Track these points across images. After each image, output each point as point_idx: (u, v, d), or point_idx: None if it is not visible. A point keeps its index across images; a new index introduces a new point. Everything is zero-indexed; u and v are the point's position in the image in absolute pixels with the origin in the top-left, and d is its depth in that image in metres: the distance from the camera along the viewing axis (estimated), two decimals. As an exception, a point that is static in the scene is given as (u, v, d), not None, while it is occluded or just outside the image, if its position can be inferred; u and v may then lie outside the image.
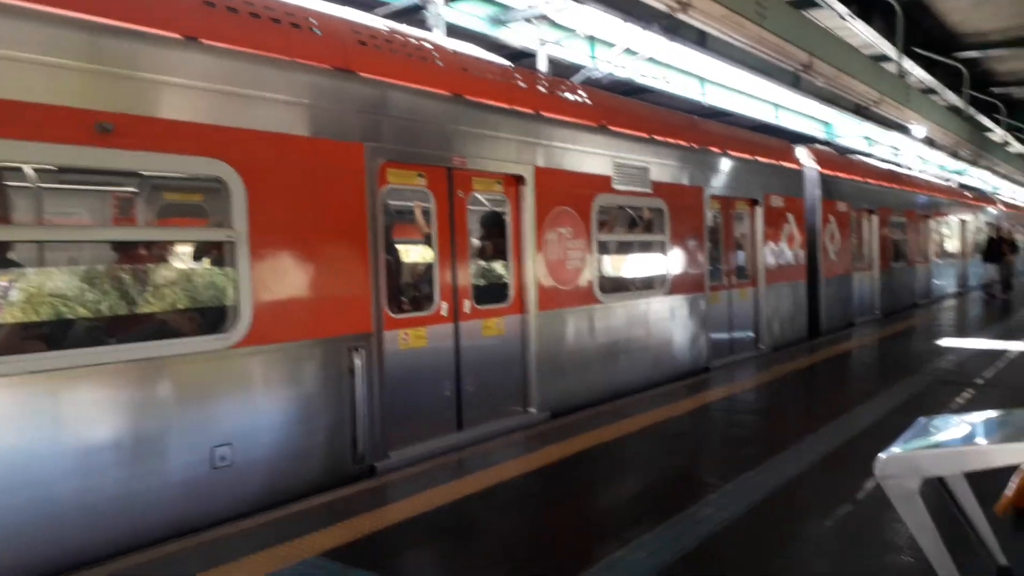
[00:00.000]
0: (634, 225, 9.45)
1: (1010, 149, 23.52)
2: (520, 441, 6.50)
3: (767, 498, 4.93)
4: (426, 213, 6.49)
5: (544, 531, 4.57)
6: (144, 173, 4.93)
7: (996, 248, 20.08)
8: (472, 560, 4.11)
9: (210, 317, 5.00)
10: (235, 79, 4.89)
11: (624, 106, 9.08)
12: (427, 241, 6.48)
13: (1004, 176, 26.32)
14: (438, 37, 7.76)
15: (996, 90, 21.49)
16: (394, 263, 6.39)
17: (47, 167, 4.82)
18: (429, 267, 6.43)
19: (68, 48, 4.15)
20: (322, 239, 5.37)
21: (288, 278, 5.16)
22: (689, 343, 9.65)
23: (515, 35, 10.13)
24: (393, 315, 5.98)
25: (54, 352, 4.22)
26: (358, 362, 5.52)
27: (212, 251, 5.38)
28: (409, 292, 6.84)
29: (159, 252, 5.27)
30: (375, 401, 5.65)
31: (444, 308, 6.37)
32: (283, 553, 4.16)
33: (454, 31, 8.89)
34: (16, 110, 3.95)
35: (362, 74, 5.72)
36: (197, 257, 5.56)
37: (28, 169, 4.90)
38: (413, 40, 6.52)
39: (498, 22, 9.98)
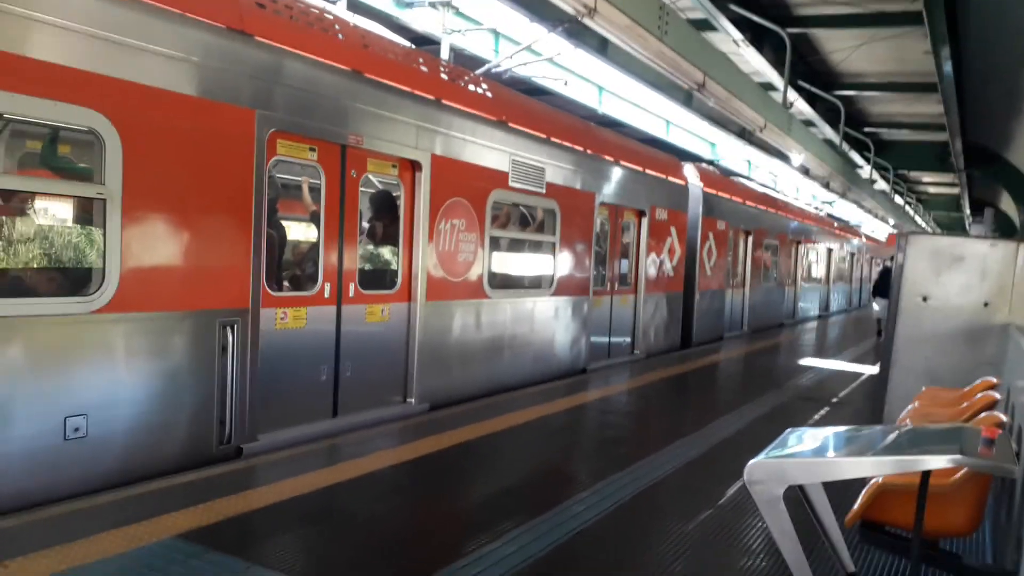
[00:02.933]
0: (526, 224, 9.49)
1: (876, 187, 25.17)
2: (397, 431, 6.38)
3: (635, 498, 5.04)
4: (315, 190, 6.26)
5: (415, 523, 4.48)
6: (7, 116, 4.50)
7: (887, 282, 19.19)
8: (338, 549, 3.97)
9: (72, 278, 4.64)
10: (119, 26, 4.54)
11: (525, 104, 9.11)
12: (314, 219, 6.26)
13: (868, 211, 28.16)
14: (340, 10, 7.53)
15: (867, 129, 22.92)
16: (277, 239, 6.13)
17: None
18: (314, 246, 6.21)
19: None
20: (202, 206, 5.08)
21: (161, 244, 4.85)
22: (569, 344, 9.78)
23: (419, 19, 9.97)
24: (272, 293, 5.74)
25: None
26: (231, 339, 5.25)
27: (80, 208, 4.99)
28: (291, 270, 6.58)
29: (20, 203, 4.84)
30: (247, 381, 5.40)
31: (327, 290, 6.17)
32: (137, 532, 3.92)
33: (357, 7, 8.66)
34: None
35: (258, 37, 5.46)
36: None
37: None
38: (314, 9, 6.29)
39: (403, 3, 9.79)
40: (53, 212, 5.18)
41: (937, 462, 3.08)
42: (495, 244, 8.29)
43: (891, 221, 32.79)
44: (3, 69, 4.02)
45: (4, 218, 4.74)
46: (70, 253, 4.94)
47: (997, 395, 4.74)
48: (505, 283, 8.63)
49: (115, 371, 4.66)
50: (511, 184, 8.32)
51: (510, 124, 8.30)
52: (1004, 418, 3.93)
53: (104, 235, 4.54)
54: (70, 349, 4.43)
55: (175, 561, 3.64)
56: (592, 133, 10.51)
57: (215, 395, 5.24)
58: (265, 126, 5.46)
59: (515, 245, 9.17)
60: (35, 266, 4.77)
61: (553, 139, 9.15)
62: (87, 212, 4.85)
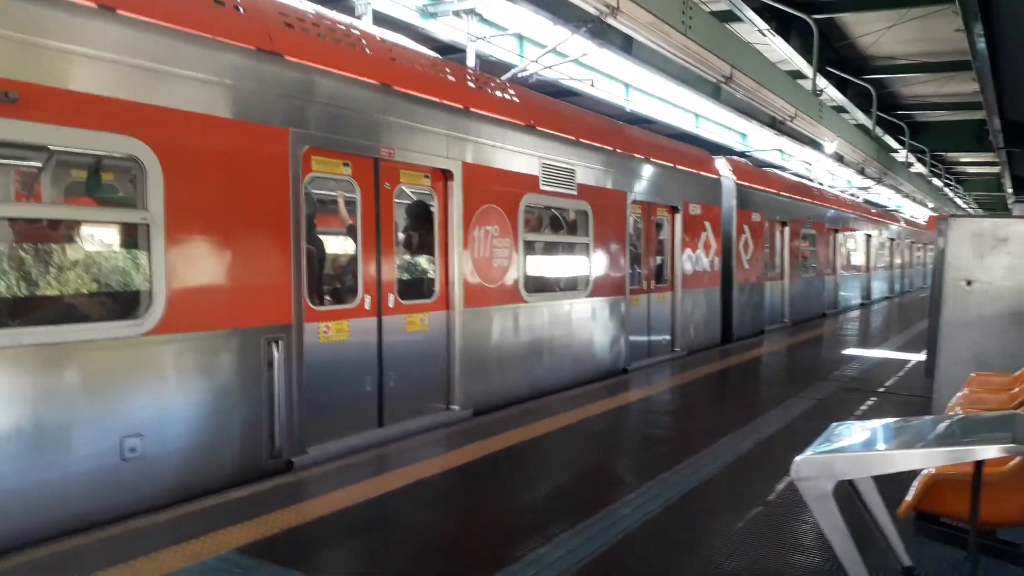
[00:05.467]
0: (559, 226, 9.51)
1: (913, 170, 24.71)
2: (442, 438, 6.44)
3: (682, 498, 5.02)
4: (351, 204, 6.35)
5: (465, 529, 4.52)
6: (52, 148, 4.65)
7: None
8: (391, 558, 4.03)
9: (121, 303, 4.76)
10: (153, 54, 4.66)
11: (552, 107, 9.13)
12: (351, 233, 6.35)
13: (906, 195, 27.65)
14: (366, 24, 7.62)
15: (901, 112, 22.53)
16: (316, 254, 6.23)
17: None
18: (353, 259, 6.29)
19: None
20: (243, 225, 5.18)
21: (206, 265, 4.96)
22: (609, 345, 9.76)
23: (444, 28, 10.03)
24: (314, 307, 5.83)
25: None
26: (277, 354, 5.35)
27: (125, 234, 5.13)
28: (331, 284, 6.68)
29: (68, 232, 4.99)
30: (294, 395, 5.49)
31: (367, 302, 6.25)
32: (195, 548, 4.01)
33: (382, 20, 8.74)
34: None
35: (288, 57, 5.56)
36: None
37: None
38: (341, 26, 6.38)
39: (427, 14, 9.86)
40: (100, 238, 5.33)
41: (989, 451, 3.03)
42: (529, 248, 8.32)
43: (930, 204, 32.16)
44: (46, 103, 4.15)
45: (55, 246, 4.89)
46: (118, 278, 5.08)
47: (1049, 379, 4.65)
48: (541, 287, 8.65)
49: (166, 391, 4.77)
50: (542, 187, 8.35)
51: (538, 128, 8.33)
52: (1058, 403, 3.85)
53: (149, 259, 4.65)
54: (122, 372, 4.55)
55: (234, 575, 3.72)
56: (621, 132, 10.50)
57: (264, 410, 5.34)
58: (299, 144, 5.55)
59: (549, 248, 9.19)
60: (86, 292, 4.90)
61: (582, 140, 9.15)
62: (132, 237, 4.98)
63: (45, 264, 4.90)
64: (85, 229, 5.19)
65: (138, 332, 4.59)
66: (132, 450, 4.57)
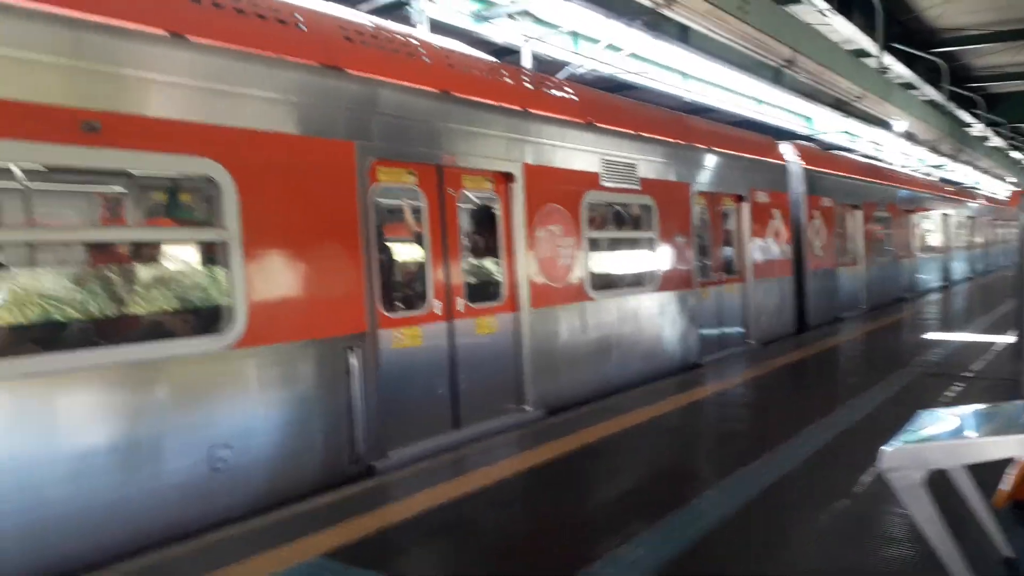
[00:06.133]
0: (622, 222, 9.45)
1: (990, 144, 23.76)
2: (517, 439, 6.48)
3: (763, 493, 4.93)
4: (417, 211, 6.44)
5: (544, 528, 4.54)
6: (133, 172, 4.85)
7: None
8: (472, 558, 4.08)
9: (205, 318, 4.94)
10: (223, 76, 4.82)
11: (610, 102, 9.08)
12: (418, 240, 6.44)
13: (984, 171, 26.59)
14: (423, 33, 7.72)
15: (974, 85, 21.73)
16: (387, 262, 6.34)
17: (34, 167, 4.71)
18: (421, 266, 6.39)
19: (55, 45, 4.08)
20: (315, 238, 5.31)
21: (282, 278, 5.10)
22: (679, 339, 9.66)
23: (498, 31, 10.09)
24: (387, 314, 5.94)
25: (47, 355, 4.14)
26: (354, 362, 5.47)
27: (205, 252, 5.32)
28: (402, 291, 6.80)
29: (151, 252, 5.19)
30: (372, 401, 5.60)
31: (438, 307, 6.33)
32: (285, 554, 4.12)
33: (437, 27, 8.84)
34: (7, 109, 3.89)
35: (350, 71, 5.67)
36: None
37: (15, 169, 4.78)
38: (399, 36, 6.47)
39: (481, 18, 9.93)
40: (182, 257, 5.53)
41: (1088, 435, 2.91)
42: (593, 245, 8.29)
43: (1010, 179, 30.84)
44: (125, 131, 4.33)
45: (141, 267, 5.10)
46: (200, 295, 5.26)
47: None
48: (607, 283, 8.61)
49: (251, 402, 4.93)
50: (603, 184, 8.32)
51: (597, 124, 8.30)
52: None
53: (229, 275, 4.82)
54: (209, 385, 4.72)
55: (323, 579, 3.82)
56: (681, 122, 10.37)
57: (344, 417, 5.46)
58: (365, 156, 5.66)
59: (614, 244, 9.15)
60: (171, 310, 5.10)
61: (642, 134, 9.09)
62: (212, 254, 5.16)
63: (132, 284, 5.11)
64: (167, 248, 5.40)
65: (222, 346, 4.75)
66: (221, 460, 4.73)
